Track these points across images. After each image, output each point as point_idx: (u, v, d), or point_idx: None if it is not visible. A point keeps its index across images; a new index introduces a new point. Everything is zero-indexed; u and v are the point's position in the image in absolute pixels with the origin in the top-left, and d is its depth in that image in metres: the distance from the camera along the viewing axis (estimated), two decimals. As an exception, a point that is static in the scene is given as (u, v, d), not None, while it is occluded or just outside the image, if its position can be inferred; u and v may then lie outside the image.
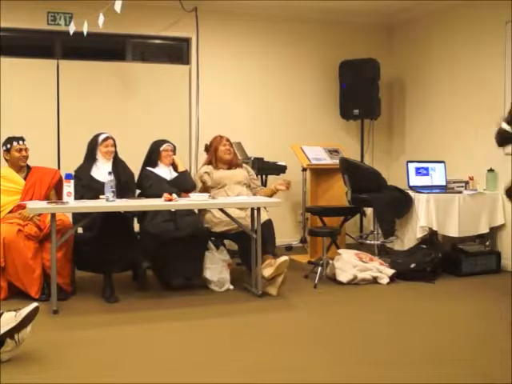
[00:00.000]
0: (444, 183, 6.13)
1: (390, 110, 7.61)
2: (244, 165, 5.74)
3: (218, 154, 5.47)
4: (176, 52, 7.11)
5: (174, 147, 5.40)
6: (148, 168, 5.29)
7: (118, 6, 5.23)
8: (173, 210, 4.97)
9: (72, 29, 5.79)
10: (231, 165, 5.52)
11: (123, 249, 4.71)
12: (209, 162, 5.52)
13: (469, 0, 6.28)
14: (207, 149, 5.62)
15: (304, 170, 6.72)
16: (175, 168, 5.36)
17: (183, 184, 5.27)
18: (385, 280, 5.36)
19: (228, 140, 5.54)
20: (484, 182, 6.03)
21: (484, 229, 5.82)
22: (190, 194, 5.01)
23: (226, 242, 5.57)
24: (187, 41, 6.95)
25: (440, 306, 4.69)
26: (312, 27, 7.28)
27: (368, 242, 6.38)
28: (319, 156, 6.64)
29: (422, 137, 7.14)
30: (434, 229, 5.69)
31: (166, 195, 4.67)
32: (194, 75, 6.90)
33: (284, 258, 4.88)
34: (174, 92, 6.88)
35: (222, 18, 6.91)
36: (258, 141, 6.82)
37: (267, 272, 4.84)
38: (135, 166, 5.29)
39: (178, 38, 6.95)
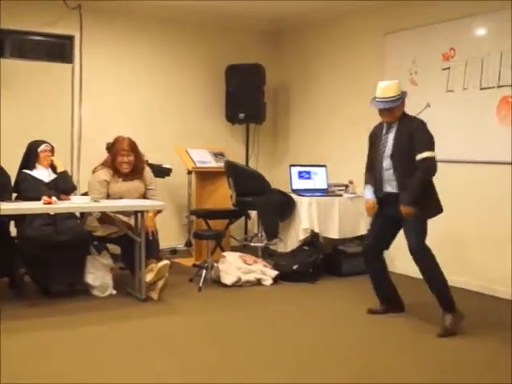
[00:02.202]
0: (325, 187, 6.32)
1: (275, 114, 7.75)
2: (146, 168, 5.37)
3: (116, 163, 5.11)
4: (58, 50, 6.86)
5: (53, 148, 5.21)
6: (25, 170, 5.07)
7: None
8: (52, 213, 4.79)
9: None
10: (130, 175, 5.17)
11: (-2, 254, 4.49)
12: (108, 165, 5.15)
13: (353, 9, 6.48)
14: (109, 148, 5.20)
15: (189, 172, 6.71)
16: (54, 169, 5.17)
17: (63, 185, 5.10)
18: (268, 281, 5.47)
19: (130, 148, 5.11)
20: (362, 185, 6.25)
21: (363, 230, 6.01)
22: (71, 197, 4.86)
23: (110, 246, 5.45)
24: (70, 39, 6.72)
25: (321, 306, 4.85)
26: (201, 30, 7.26)
27: (252, 244, 6.45)
28: (204, 159, 6.67)
29: (305, 141, 7.34)
30: (316, 231, 5.86)
31: (45, 198, 4.51)
32: (77, 74, 6.69)
33: (164, 262, 4.86)
34: (55, 91, 6.62)
35: (107, 16, 6.73)
36: (142, 142, 6.62)
37: (148, 277, 4.80)
38: (12, 168, 5.07)
39: (61, 36, 6.70)
